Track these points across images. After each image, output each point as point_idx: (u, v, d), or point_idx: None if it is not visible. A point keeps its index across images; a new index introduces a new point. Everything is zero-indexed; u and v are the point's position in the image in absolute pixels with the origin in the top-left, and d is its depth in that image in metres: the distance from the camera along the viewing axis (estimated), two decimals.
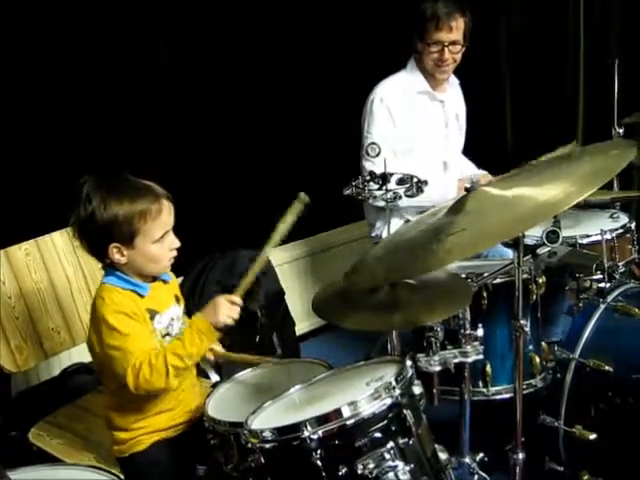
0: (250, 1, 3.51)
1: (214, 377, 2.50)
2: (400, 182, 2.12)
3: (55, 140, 3.06)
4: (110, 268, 2.19)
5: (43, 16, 2.96)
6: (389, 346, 2.20)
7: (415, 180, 2.12)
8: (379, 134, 3.19)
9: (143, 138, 3.28)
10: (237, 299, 2.15)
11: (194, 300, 3.19)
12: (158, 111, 3.32)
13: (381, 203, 2.24)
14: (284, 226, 2.21)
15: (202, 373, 2.46)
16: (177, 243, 2.18)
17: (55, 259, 2.68)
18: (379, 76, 3.29)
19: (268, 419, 1.85)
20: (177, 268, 2.28)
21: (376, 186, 2.13)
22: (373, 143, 3.14)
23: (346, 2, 3.85)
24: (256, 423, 1.84)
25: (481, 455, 2.48)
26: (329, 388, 1.90)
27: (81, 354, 2.99)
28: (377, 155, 3.14)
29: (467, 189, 2.01)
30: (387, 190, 2.11)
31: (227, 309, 2.11)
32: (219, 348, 2.30)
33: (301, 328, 3.67)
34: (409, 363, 1.87)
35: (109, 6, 3.10)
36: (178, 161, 3.34)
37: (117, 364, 2.08)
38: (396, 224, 3.16)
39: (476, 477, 2.45)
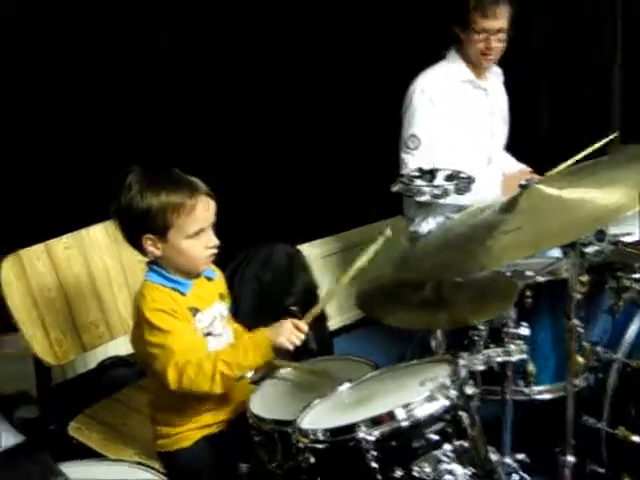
0: None
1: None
2: (448, 178, 2.03)
3: (99, 134, 3.00)
4: (152, 264, 2.11)
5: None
6: (433, 344, 2.11)
7: (464, 176, 2.02)
8: (420, 126, 3.09)
9: (185, 130, 3.21)
10: (303, 326, 2.05)
11: (232, 295, 3.12)
12: (201, 104, 3.26)
13: (427, 199, 2.15)
14: (363, 261, 2.09)
15: None
16: (215, 241, 2.09)
17: (95, 253, 2.61)
18: (419, 69, 3.18)
19: (318, 419, 1.76)
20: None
21: (424, 182, 2.04)
22: (413, 135, 3.08)
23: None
24: (306, 422, 1.75)
25: (522, 456, 2.39)
26: (379, 388, 1.81)
27: (117, 347, 2.94)
28: (417, 147, 3.08)
29: (521, 186, 1.92)
30: (435, 186, 2.02)
31: (290, 333, 2.02)
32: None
33: (333, 324, 3.58)
34: (462, 362, 1.78)
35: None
36: (217, 155, 3.26)
37: (158, 361, 2.01)
38: (437, 220, 3.07)
39: (517, 478, 2.36)
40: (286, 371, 2.21)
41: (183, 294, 2.09)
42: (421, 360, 1.88)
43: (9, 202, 2.88)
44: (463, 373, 1.76)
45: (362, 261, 2.09)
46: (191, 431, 2.15)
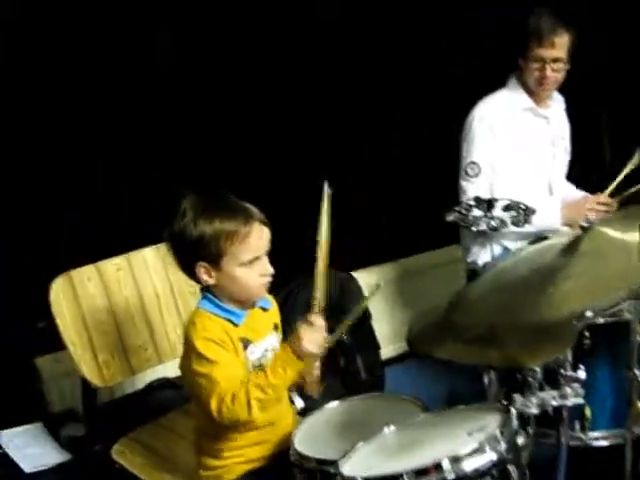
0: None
1: (299, 402, 2.35)
2: (506, 209, 1.94)
3: (153, 155, 2.97)
4: (206, 292, 2.07)
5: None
6: (485, 379, 2.02)
7: (522, 207, 1.93)
8: (479, 153, 3.01)
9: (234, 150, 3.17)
10: (315, 320, 1.98)
11: (283, 322, 3.07)
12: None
13: (484, 229, 2.07)
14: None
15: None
16: (270, 270, 2.03)
17: (145, 275, 2.58)
18: (478, 95, 3.09)
19: (361, 464, 1.69)
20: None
21: (480, 212, 1.96)
22: (473, 162, 2.99)
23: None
24: (348, 468, 1.68)
25: None
26: (426, 434, 1.73)
27: (166, 370, 2.90)
28: (477, 175, 2.99)
29: (582, 227, 1.82)
30: (492, 217, 1.93)
31: (308, 333, 1.94)
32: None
33: (386, 352, 3.50)
34: (514, 411, 1.69)
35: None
36: (270, 182, 3.21)
37: (203, 392, 1.96)
38: (494, 250, 2.98)
39: None
40: (332, 405, 2.14)
41: (236, 325, 2.04)
42: (471, 406, 1.79)
43: (61, 222, 2.87)
44: (515, 423, 1.66)
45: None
46: (236, 465, 2.09)
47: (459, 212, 2.04)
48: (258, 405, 1.92)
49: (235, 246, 1.97)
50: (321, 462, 1.86)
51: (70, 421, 2.72)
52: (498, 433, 1.60)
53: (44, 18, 2.82)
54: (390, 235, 3.58)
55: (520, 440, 1.67)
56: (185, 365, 2.04)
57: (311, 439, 1.99)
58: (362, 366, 3.22)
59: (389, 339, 3.59)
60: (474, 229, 2.03)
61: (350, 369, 3.17)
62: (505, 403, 1.75)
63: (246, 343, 2.04)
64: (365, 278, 3.46)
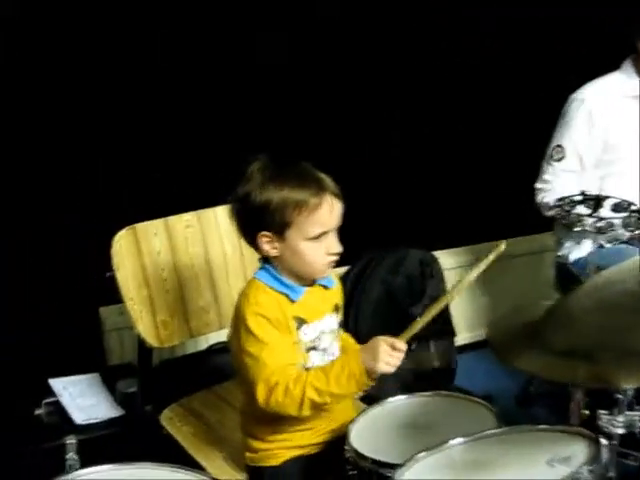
0: None
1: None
2: (616, 209, 1.66)
3: (236, 114, 2.77)
4: (265, 262, 1.86)
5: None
6: (572, 404, 1.75)
7: (635, 209, 1.64)
8: (569, 137, 2.72)
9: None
10: (400, 345, 1.74)
11: (355, 297, 2.85)
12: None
13: (588, 230, 1.78)
14: (472, 277, 1.78)
15: None
16: (338, 248, 1.82)
17: (215, 235, 2.39)
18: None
19: (421, 477, 1.45)
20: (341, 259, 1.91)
21: (586, 210, 1.67)
22: (559, 146, 2.71)
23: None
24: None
25: None
26: (498, 453, 1.47)
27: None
28: (559, 160, 2.70)
29: None
30: (599, 218, 1.65)
31: (387, 356, 1.71)
32: None
33: (460, 339, 3.24)
34: (605, 443, 1.42)
35: None
36: (355, 152, 2.97)
37: (249, 373, 1.77)
38: (587, 246, 2.68)
39: None
40: (397, 399, 1.91)
41: (292, 301, 1.84)
42: (553, 427, 1.52)
43: (138, 175, 2.71)
44: (605, 457, 1.39)
45: (471, 276, 1.77)
46: (281, 449, 1.90)
47: (562, 207, 1.75)
48: (311, 405, 1.73)
49: (303, 217, 1.76)
50: (378, 463, 1.65)
51: (127, 376, 2.55)
52: (585, 472, 1.32)
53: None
54: (475, 217, 3.31)
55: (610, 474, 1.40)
56: (233, 338, 1.85)
57: (369, 435, 1.79)
58: (434, 352, 2.97)
59: (465, 326, 3.34)
60: (577, 229, 1.75)
61: (421, 354, 2.93)
62: (593, 432, 1.47)
63: (300, 323, 1.84)
64: (444, 260, 3.20)
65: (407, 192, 3.16)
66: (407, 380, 2.91)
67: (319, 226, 1.78)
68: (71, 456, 2.27)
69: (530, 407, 2.93)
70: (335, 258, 1.83)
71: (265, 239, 1.79)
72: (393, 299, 2.86)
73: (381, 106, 3.05)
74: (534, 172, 2.80)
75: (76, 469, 2.17)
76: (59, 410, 2.43)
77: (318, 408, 1.76)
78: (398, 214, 3.11)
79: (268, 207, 1.76)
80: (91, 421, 2.40)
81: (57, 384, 2.52)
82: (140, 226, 2.27)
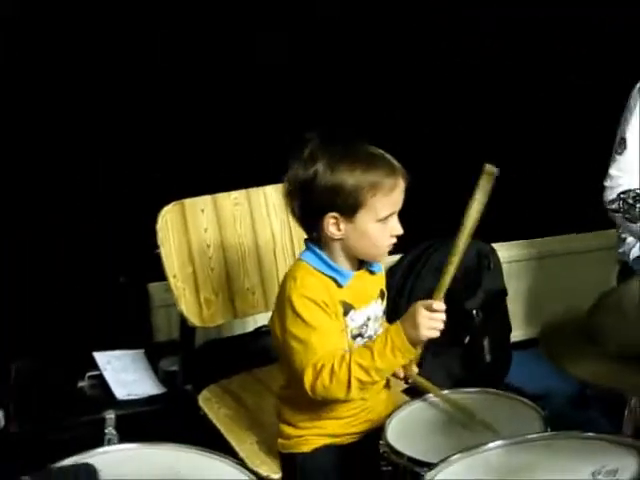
0: None
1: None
2: None
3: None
4: (312, 244, 1.76)
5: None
6: (626, 412, 1.60)
7: None
8: (631, 128, 2.52)
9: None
10: (438, 304, 1.65)
11: (408, 285, 2.72)
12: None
13: None
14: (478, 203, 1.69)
15: None
16: (400, 230, 1.73)
17: (264, 214, 2.30)
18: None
19: None
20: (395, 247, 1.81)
21: None
22: (622, 138, 2.53)
23: None
24: None
25: None
26: (540, 459, 1.34)
27: None
28: (622, 153, 2.52)
29: None
30: None
31: (427, 320, 1.63)
32: (414, 368, 1.81)
33: (517, 335, 3.08)
34: None
35: None
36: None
37: (296, 357, 1.68)
38: None
39: None
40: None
41: (340, 286, 1.74)
42: (603, 435, 1.38)
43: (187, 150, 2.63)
44: None
45: (475, 210, 1.70)
46: (313, 437, 1.81)
47: (624, 201, 1.60)
48: (359, 386, 1.64)
49: (377, 198, 1.68)
50: (413, 461, 1.55)
51: (171, 354, 2.49)
52: None
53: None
54: (536, 211, 3.14)
55: None
56: (277, 321, 1.76)
57: (407, 430, 1.69)
58: (488, 347, 2.83)
59: (522, 321, 3.18)
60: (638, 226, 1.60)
61: (474, 348, 2.79)
62: None
63: (347, 308, 1.74)
64: (506, 252, 3.05)
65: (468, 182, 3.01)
66: (457, 374, 2.80)
67: (390, 207, 1.70)
68: (110, 431, 2.24)
69: (585, 410, 2.76)
70: (394, 240, 1.75)
71: (332, 220, 1.69)
72: (447, 290, 2.72)
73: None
74: (590, 166, 2.64)
75: (114, 444, 2.16)
76: (102, 384, 2.39)
77: (365, 388, 1.67)
78: (457, 203, 2.96)
79: (341, 189, 1.67)
80: (131, 397, 2.35)
81: (101, 358, 2.48)
82: (188, 202, 2.20)
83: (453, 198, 2.95)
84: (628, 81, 2.63)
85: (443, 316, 1.65)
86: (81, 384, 2.39)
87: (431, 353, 2.79)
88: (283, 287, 1.76)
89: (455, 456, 1.37)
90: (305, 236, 1.81)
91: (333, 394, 1.65)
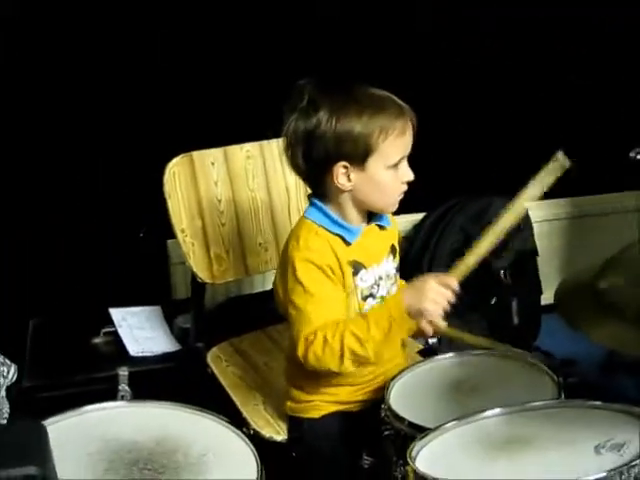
0: None
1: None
2: None
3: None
4: (317, 199, 1.63)
5: None
6: None
7: None
8: None
9: None
10: (452, 281, 1.52)
11: (431, 244, 2.57)
12: None
13: None
14: (534, 189, 1.56)
15: None
16: (411, 175, 1.59)
17: (278, 168, 2.16)
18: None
19: (443, 454, 1.20)
20: (420, 203, 1.68)
21: None
22: None
23: None
24: (423, 460, 1.18)
25: None
26: (540, 430, 1.20)
27: None
28: None
29: None
30: None
31: (435, 294, 1.50)
32: (441, 322, 1.66)
33: (547, 297, 2.91)
34: None
35: None
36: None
37: (292, 324, 1.58)
38: None
39: None
40: (445, 356, 1.66)
41: (348, 243, 1.61)
42: (611, 405, 1.23)
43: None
44: None
45: (532, 192, 1.59)
46: (323, 403, 1.70)
47: None
48: (352, 358, 1.52)
49: (388, 142, 1.55)
50: (414, 426, 1.43)
51: (188, 311, 2.39)
52: (638, 460, 1.03)
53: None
54: (572, 169, 2.96)
55: None
56: (280, 283, 1.64)
57: (410, 394, 1.58)
58: (516, 309, 2.67)
59: (555, 283, 2.98)
60: None
61: (501, 310, 2.63)
62: None
63: (357, 268, 1.62)
64: (537, 211, 2.87)
65: (497, 140, 2.85)
66: (483, 336, 2.66)
67: (401, 150, 1.57)
68: (123, 387, 2.16)
69: (615, 375, 2.59)
70: (405, 188, 1.61)
71: (342, 170, 1.56)
72: None
73: None
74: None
75: (127, 400, 2.09)
76: (116, 340, 2.31)
77: (361, 362, 1.55)
78: (486, 159, 2.80)
79: (349, 136, 1.54)
80: (145, 354, 2.27)
81: (117, 314, 2.40)
82: (197, 154, 2.07)
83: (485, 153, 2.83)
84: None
85: (450, 295, 1.52)
86: (96, 340, 2.33)
87: (455, 315, 2.68)
88: (286, 247, 1.64)
89: (449, 424, 1.24)
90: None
91: (325, 364, 1.54)
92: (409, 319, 1.50)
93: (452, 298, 1.52)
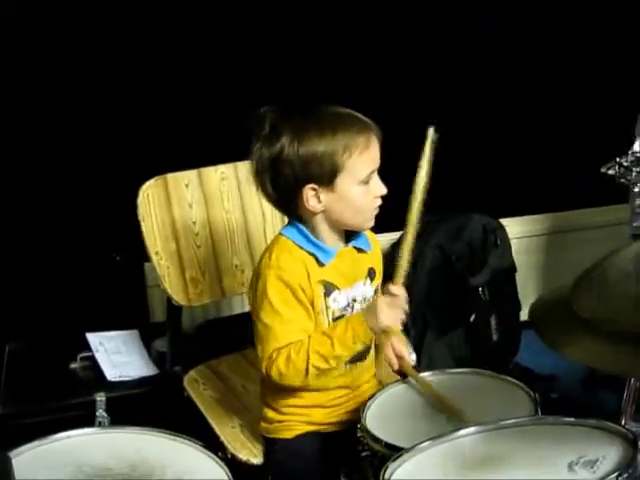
0: None
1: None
2: None
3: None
4: (295, 220, 1.63)
5: None
6: (625, 393, 1.43)
7: None
8: None
9: None
10: (396, 289, 1.56)
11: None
12: None
13: None
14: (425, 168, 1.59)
15: None
16: (383, 189, 1.59)
17: (253, 189, 2.10)
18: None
19: (419, 474, 1.18)
20: (397, 221, 1.66)
21: None
22: None
23: None
24: (399, 478, 1.17)
25: None
26: (514, 448, 1.19)
27: None
28: None
29: None
30: None
31: (387, 308, 1.53)
32: (411, 358, 1.68)
33: (527, 313, 2.90)
34: None
35: None
36: None
37: (258, 339, 1.58)
38: None
39: None
40: (423, 375, 1.65)
41: (321, 264, 1.60)
42: (585, 421, 1.22)
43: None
44: None
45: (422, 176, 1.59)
46: (295, 423, 1.68)
47: (619, 165, 1.43)
48: (316, 373, 1.53)
49: (353, 159, 1.54)
50: (391, 447, 1.41)
51: (164, 334, 2.37)
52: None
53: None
54: (546, 185, 2.96)
55: None
56: (250, 296, 1.64)
57: (387, 415, 1.56)
58: (495, 326, 2.66)
59: (534, 299, 2.99)
60: (637, 189, 1.43)
61: (480, 327, 2.62)
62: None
63: (329, 289, 1.61)
64: (515, 227, 2.87)
65: (476, 155, 2.85)
66: (462, 354, 2.64)
67: (369, 165, 1.57)
68: (101, 413, 2.14)
69: (597, 391, 2.58)
70: (379, 202, 1.61)
71: (311, 192, 1.55)
72: (449, 267, 2.55)
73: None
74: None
75: (105, 426, 2.06)
76: (94, 365, 2.30)
77: (325, 375, 1.56)
78: (463, 177, 2.79)
79: (313, 157, 1.53)
80: (123, 378, 2.25)
81: (94, 339, 2.39)
82: (171, 176, 2.06)
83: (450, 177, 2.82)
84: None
85: (401, 301, 1.55)
86: (73, 365, 2.31)
87: (434, 333, 2.67)
88: (260, 261, 1.64)
89: (424, 444, 1.23)
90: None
91: (288, 381, 1.56)
92: (369, 333, 1.52)
93: (405, 302, 1.55)
